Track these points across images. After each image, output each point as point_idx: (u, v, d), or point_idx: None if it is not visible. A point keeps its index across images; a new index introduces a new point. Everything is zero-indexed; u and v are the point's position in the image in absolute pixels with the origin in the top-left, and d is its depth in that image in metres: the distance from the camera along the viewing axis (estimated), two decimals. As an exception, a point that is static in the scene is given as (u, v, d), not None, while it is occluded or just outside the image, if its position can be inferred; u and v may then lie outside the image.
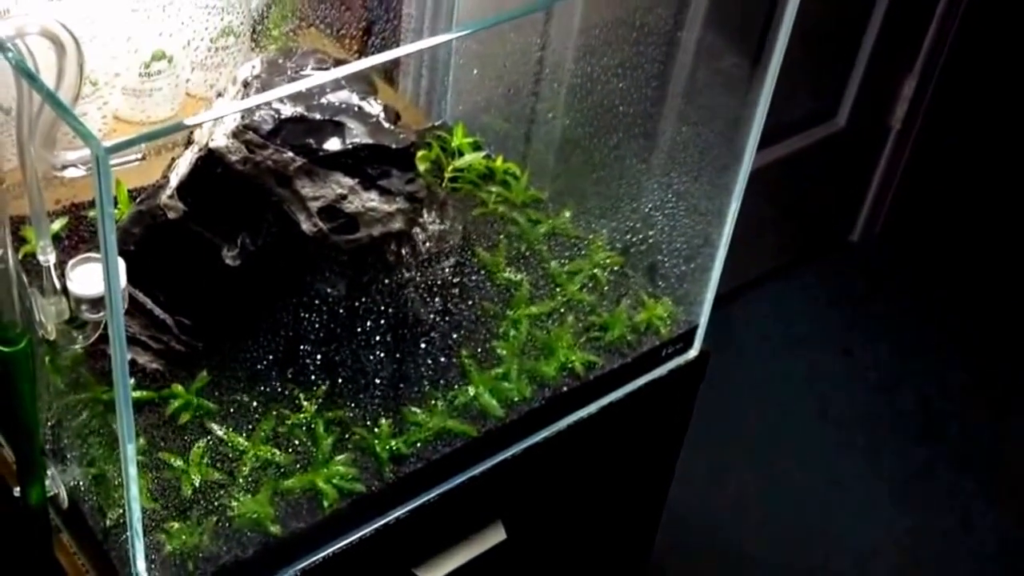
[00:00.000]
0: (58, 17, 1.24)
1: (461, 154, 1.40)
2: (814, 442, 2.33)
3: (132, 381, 1.09)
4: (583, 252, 1.33)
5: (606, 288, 1.30)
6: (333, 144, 1.08)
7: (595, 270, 1.31)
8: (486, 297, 1.26)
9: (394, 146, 1.09)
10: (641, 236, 1.32)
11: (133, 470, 0.96)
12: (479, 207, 1.36)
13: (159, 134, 0.83)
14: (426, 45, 1.40)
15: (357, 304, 1.15)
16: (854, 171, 2.72)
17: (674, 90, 1.31)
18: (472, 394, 1.18)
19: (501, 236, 1.33)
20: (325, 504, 1.09)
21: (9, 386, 1.01)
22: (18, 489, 1.08)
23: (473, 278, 1.27)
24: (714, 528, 2.15)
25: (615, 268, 1.32)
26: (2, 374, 1.00)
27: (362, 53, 1.42)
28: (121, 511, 1.03)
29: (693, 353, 1.31)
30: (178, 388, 1.13)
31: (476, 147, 1.41)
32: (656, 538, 1.57)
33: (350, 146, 1.08)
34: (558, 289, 1.28)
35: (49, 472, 1.07)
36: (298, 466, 1.11)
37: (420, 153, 1.35)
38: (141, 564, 1.01)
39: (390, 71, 1.48)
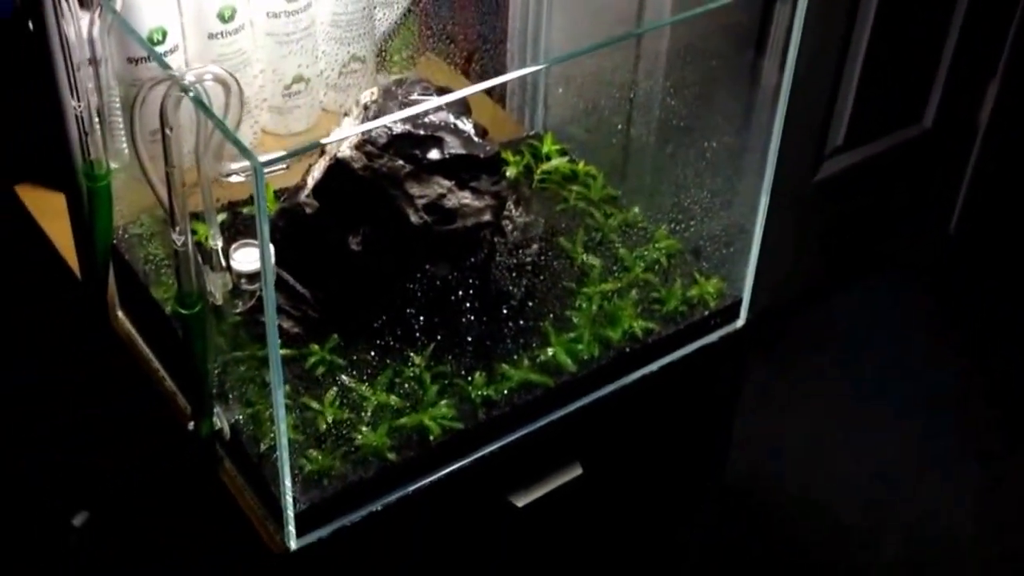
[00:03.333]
0: (218, 51, 1.48)
1: (549, 159, 1.56)
2: (909, 424, 2.38)
3: (279, 341, 1.25)
4: (648, 239, 1.47)
5: (665, 268, 1.45)
6: (434, 154, 1.25)
7: (656, 254, 1.45)
8: (564, 276, 1.41)
9: (482, 155, 1.27)
10: (695, 225, 1.47)
11: (282, 410, 1.11)
12: (562, 203, 1.51)
13: (301, 151, 1.01)
14: (498, 81, 1.58)
15: (455, 280, 1.30)
16: (945, 169, 2.76)
17: (720, 104, 1.48)
18: (551, 353, 1.33)
19: (579, 227, 1.47)
20: (431, 438, 1.24)
21: (187, 342, 1.17)
22: (192, 424, 1.23)
23: (554, 261, 1.42)
24: (806, 491, 2.24)
25: (674, 252, 1.46)
26: (183, 332, 1.17)
27: (466, 75, 1.65)
28: (272, 441, 1.17)
29: (740, 323, 1.47)
30: (314, 347, 1.28)
31: (562, 153, 1.57)
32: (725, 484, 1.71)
33: (447, 156, 1.26)
34: (625, 269, 1.43)
35: (215, 411, 1.22)
36: (409, 408, 1.25)
37: (514, 158, 1.53)
38: (288, 482, 1.14)
39: (490, 91, 1.68)
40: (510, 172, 1.50)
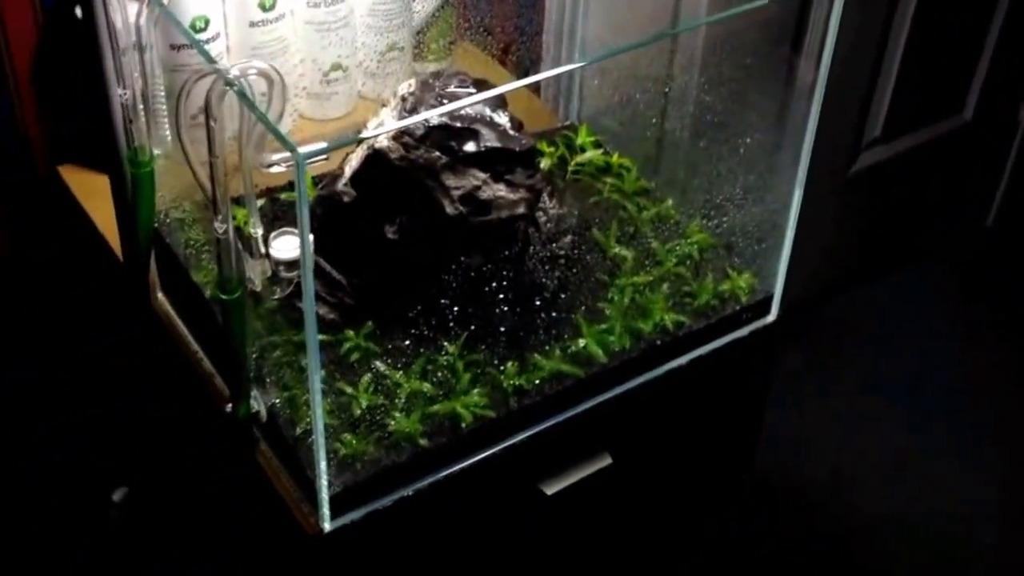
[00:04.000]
0: (259, 39, 1.50)
1: (583, 150, 1.57)
2: (939, 419, 2.34)
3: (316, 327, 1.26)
4: (680, 233, 1.48)
5: (698, 262, 1.45)
6: (470, 146, 1.27)
7: (689, 248, 1.46)
8: (597, 268, 1.42)
9: (518, 149, 1.28)
10: (728, 220, 1.48)
11: (319, 395, 1.12)
12: (596, 195, 1.52)
13: (341, 144, 1.05)
14: (535, 79, 1.60)
15: (489, 271, 1.31)
16: (985, 162, 2.73)
17: (755, 99, 1.48)
18: (582, 344, 1.34)
19: (613, 219, 1.48)
20: (463, 425, 1.25)
21: (227, 326, 1.19)
22: (229, 406, 1.25)
23: (587, 253, 1.43)
24: (833, 483, 2.22)
25: (706, 246, 1.47)
26: (222, 317, 1.19)
27: (503, 64, 1.65)
28: (308, 424, 1.19)
29: (771, 318, 1.48)
30: (350, 334, 1.29)
31: (596, 145, 1.58)
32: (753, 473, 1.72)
33: (483, 148, 1.27)
34: (657, 262, 1.44)
35: (253, 394, 1.24)
36: (442, 395, 1.26)
37: (549, 149, 1.54)
38: (323, 465, 1.16)
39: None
40: (544, 163, 1.52)
